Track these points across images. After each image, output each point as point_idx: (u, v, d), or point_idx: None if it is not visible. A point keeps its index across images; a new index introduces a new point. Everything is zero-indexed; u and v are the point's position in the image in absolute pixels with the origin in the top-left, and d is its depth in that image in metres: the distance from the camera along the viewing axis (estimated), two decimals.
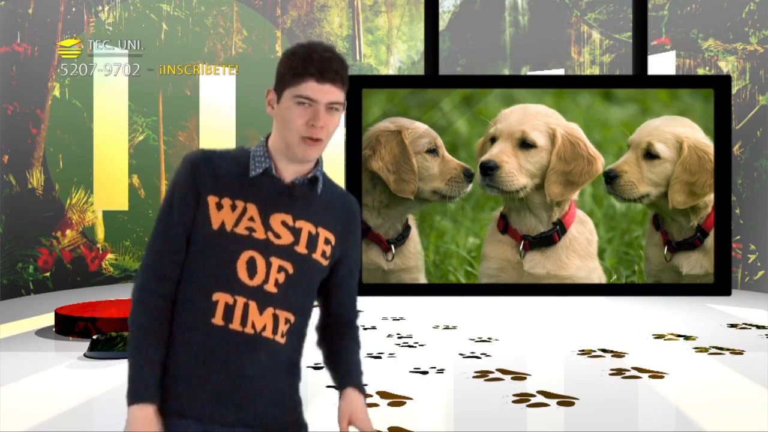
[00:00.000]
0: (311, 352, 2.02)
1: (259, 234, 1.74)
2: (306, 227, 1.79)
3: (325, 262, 1.83)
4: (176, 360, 1.75)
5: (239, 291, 1.73)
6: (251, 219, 1.74)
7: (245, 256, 1.73)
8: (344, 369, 1.93)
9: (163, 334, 1.74)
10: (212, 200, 1.74)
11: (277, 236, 1.76)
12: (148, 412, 1.69)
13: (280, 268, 1.76)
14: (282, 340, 1.77)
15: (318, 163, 1.83)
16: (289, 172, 1.79)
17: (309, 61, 1.71)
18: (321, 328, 1.97)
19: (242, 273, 1.73)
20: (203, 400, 1.73)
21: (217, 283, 1.73)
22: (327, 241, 1.82)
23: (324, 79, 1.70)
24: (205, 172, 1.75)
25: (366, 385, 2.03)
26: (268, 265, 1.75)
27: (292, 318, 1.78)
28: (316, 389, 5.02)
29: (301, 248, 1.78)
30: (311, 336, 1.92)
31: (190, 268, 1.76)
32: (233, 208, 1.74)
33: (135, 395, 1.70)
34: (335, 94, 1.72)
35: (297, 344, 1.84)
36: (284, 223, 1.77)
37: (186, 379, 1.74)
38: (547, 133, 3.72)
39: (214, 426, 1.74)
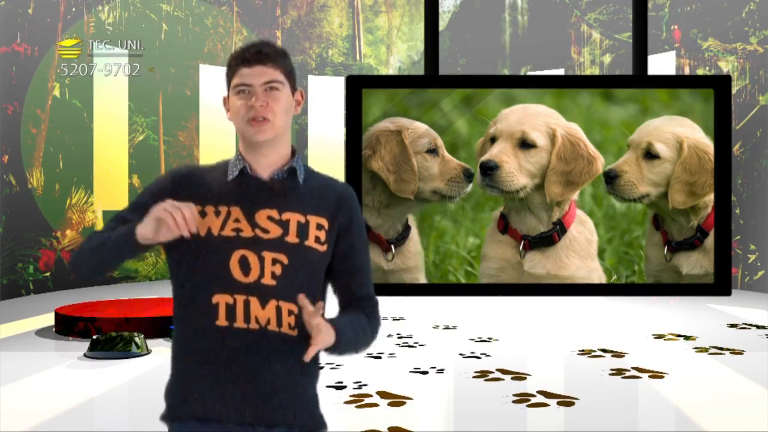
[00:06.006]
0: None
1: (247, 232, 1.77)
2: (294, 218, 1.80)
3: (322, 248, 1.82)
4: (188, 365, 1.78)
5: (237, 289, 1.75)
6: (236, 220, 1.78)
7: (236, 255, 1.76)
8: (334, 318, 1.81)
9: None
10: (195, 210, 1.78)
11: (265, 231, 1.78)
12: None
13: (275, 261, 1.77)
14: (293, 333, 1.76)
15: (294, 153, 1.86)
16: (266, 168, 1.83)
17: (238, 54, 1.82)
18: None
19: (236, 272, 1.75)
20: (219, 402, 1.74)
21: (215, 286, 1.76)
22: (319, 227, 1.82)
23: (253, 63, 1.79)
24: (186, 184, 1.82)
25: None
26: (261, 260, 1.76)
27: (295, 309, 1.77)
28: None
29: (291, 238, 1.79)
30: None
31: (188, 277, 1.79)
32: (217, 213, 1.79)
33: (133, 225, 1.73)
34: (268, 73, 1.79)
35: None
36: (271, 218, 1.79)
37: (200, 382, 1.76)
38: (547, 133, 3.71)
39: (233, 426, 1.74)
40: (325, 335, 1.68)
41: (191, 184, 1.83)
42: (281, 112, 1.80)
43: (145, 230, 1.69)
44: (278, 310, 1.76)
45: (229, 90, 1.84)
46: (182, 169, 1.87)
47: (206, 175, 1.85)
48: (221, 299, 1.75)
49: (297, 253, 1.78)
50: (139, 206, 1.82)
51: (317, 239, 1.81)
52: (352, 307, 1.88)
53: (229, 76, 1.83)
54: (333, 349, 1.75)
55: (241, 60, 1.80)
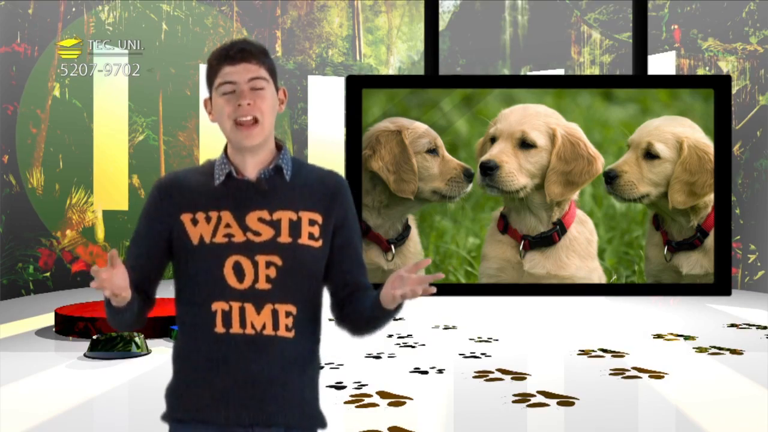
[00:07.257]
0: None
1: (238, 237, 1.76)
2: (285, 216, 1.79)
3: (316, 244, 1.81)
4: (188, 368, 1.79)
5: (233, 297, 1.75)
6: (227, 225, 1.76)
7: (230, 261, 1.75)
8: (374, 298, 1.83)
9: None
10: (186, 218, 1.78)
11: (257, 234, 1.77)
12: None
13: (268, 264, 1.76)
14: (289, 335, 1.76)
15: (282, 150, 1.84)
16: (253, 168, 1.81)
17: (219, 53, 1.79)
18: (337, 306, 1.89)
19: (231, 279, 1.75)
20: (218, 405, 1.75)
21: (212, 293, 1.76)
22: (312, 222, 1.81)
23: (236, 60, 1.76)
24: (174, 193, 1.81)
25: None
26: (255, 265, 1.75)
27: (293, 309, 1.77)
28: None
29: (284, 238, 1.77)
30: (328, 325, 1.89)
31: (185, 285, 1.80)
32: (208, 220, 1.77)
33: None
34: (252, 69, 1.77)
35: (309, 335, 1.82)
36: (261, 219, 1.77)
37: (199, 386, 1.77)
38: (547, 133, 3.71)
39: (232, 428, 1.75)
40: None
41: (178, 192, 1.81)
42: (268, 111, 1.78)
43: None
44: (274, 313, 1.75)
45: (211, 91, 1.80)
46: (167, 178, 1.85)
47: (192, 180, 1.82)
48: (218, 307, 1.75)
49: (291, 253, 1.77)
50: (141, 234, 1.84)
51: (311, 235, 1.80)
52: (357, 294, 1.87)
53: (211, 76, 1.80)
54: (396, 310, 1.82)
55: (224, 58, 1.77)
